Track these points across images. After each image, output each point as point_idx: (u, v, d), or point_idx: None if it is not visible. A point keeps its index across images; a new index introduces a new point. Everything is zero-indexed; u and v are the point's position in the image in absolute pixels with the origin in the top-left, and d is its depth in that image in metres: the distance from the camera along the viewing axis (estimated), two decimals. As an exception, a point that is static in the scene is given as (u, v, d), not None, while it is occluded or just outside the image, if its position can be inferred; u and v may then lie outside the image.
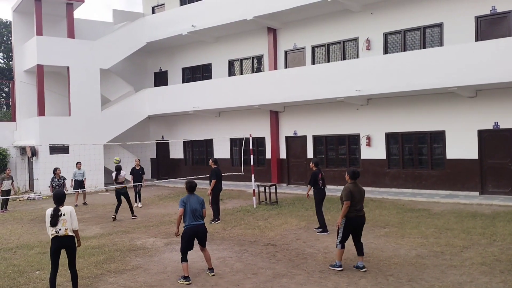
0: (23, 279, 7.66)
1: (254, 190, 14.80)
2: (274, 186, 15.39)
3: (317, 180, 10.76)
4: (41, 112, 20.43)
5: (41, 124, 20.13)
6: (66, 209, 6.67)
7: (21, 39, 22.45)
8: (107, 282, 7.48)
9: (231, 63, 22.03)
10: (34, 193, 19.79)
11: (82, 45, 21.49)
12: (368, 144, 17.28)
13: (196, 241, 7.62)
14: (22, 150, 21.63)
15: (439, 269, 7.44)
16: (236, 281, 7.26)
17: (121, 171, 13.76)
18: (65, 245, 6.65)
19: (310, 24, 18.95)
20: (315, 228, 10.77)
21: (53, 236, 6.57)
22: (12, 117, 23.42)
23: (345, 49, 18.12)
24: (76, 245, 6.85)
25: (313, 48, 18.99)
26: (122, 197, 13.60)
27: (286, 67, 19.68)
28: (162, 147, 25.01)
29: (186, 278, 7.33)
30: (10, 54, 34.05)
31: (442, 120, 15.65)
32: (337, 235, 7.70)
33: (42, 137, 19.87)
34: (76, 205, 16.41)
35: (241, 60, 21.61)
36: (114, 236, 10.91)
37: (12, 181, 16.12)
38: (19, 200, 18.33)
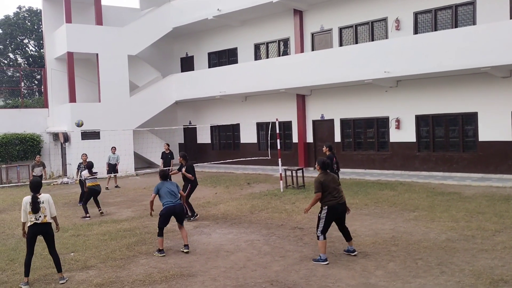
0: (59, 260, 7.94)
1: (281, 174, 14.83)
2: (301, 170, 15.37)
3: (332, 164, 10.71)
4: (72, 98, 20.92)
5: (73, 110, 20.62)
6: (44, 197, 6.92)
7: (51, 27, 22.93)
8: (139, 263, 7.69)
9: (257, 47, 21.92)
10: (67, 178, 20.41)
11: (110, 32, 21.78)
12: (398, 127, 16.98)
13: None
14: (55, 136, 22.26)
15: (470, 253, 7.32)
16: (264, 264, 7.34)
17: (93, 169, 12.76)
18: (42, 231, 6.88)
19: (337, 4, 18.60)
20: None
21: (32, 223, 6.79)
22: (44, 104, 24.08)
23: (373, 30, 17.74)
24: (56, 230, 7.13)
25: (341, 29, 18.66)
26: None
27: (312, 50, 19.44)
28: (190, 132, 25.28)
29: (160, 251, 8.09)
30: (41, 42, 34.85)
31: (474, 102, 15.20)
32: (317, 227, 7.34)
33: (74, 123, 20.34)
34: (107, 188, 16.82)
35: (267, 43, 21.47)
36: (144, 219, 11.17)
37: (44, 167, 16.54)
38: (53, 184, 18.93)
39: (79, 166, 14.45)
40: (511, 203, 10.86)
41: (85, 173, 12.67)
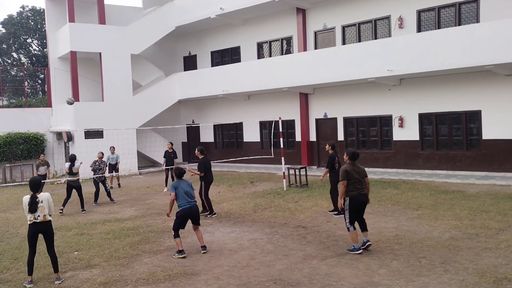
0: (62, 259, 7.98)
1: (284, 172, 14.82)
2: (304, 169, 15.36)
3: (334, 163, 10.71)
4: (76, 97, 20.95)
5: (76, 109, 20.67)
6: (43, 196, 6.91)
7: (54, 26, 22.97)
8: (142, 262, 7.71)
9: (259, 46, 21.90)
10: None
11: (113, 31, 21.81)
12: (401, 125, 16.95)
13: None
14: (59, 135, 22.32)
15: (474, 251, 7.31)
16: (267, 262, 7.34)
17: (76, 161, 12.52)
18: (42, 230, 6.89)
19: (340, 3, 18.56)
20: (330, 211, 10.76)
21: (31, 222, 6.80)
22: (48, 103, 24.14)
23: (376, 28, 17.70)
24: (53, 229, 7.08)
25: (344, 28, 18.62)
26: (74, 191, 12.68)
27: (315, 48, 19.41)
28: (193, 131, 25.30)
29: (181, 252, 7.85)
30: (45, 41, 34.94)
31: (478, 100, 15.15)
32: (345, 219, 7.68)
33: (77, 122, 20.42)
34: (111, 187, 16.86)
35: (270, 42, 21.45)
36: (148, 218, 11.20)
37: (48, 166, 16.56)
38: (57, 183, 18.98)
39: (94, 163, 14.33)
40: (515, 201, 10.82)
41: (67, 165, 12.48)
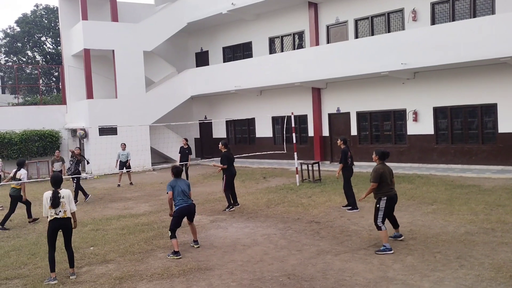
0: (79, 254, 8.09)
1: (297, 168, 14.80)
2: (317, 164, 15.32)
3: (347, 158, 10.61)
4: (90, 95, 21.18)
5: (90, 106, 20.88)
6: (64, 192, 6.99)
7: (68, 24, 23.20)
8: (157, 257, 7.78)
9: (271, 41, 21.84)
10: (86, 173, 20.71)
11: (125, 28, 21.94)
12: (415, 119, 16.78)
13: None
14: (73, 132, 22.58)
15: (490, 246, 7.22)
16: (281, 257, 7.35)
17: (24, 167, 11.11)
18: (62, 226, 6.96)
19: (352, -4, 18.40)
20: (343, 206, 10.69)
21: (52, 218, 6.87)
22: (62, 101, 24.42)
23: (390, 21, 17.51)
24: (72, 226, 7.11)
25: (356, 21, 18.46)
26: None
27: (328, 43, 19.29)
28: (205, 127, 25.37)
29: (176, 253, 7.73)
30: (58, 39, 35.28)
31: (493, 93, 14.91)
32: (377, 217, 7.44)
33: (91, 119, 20.63)
34: (119, 185, 16.97)
35: (282, 37, 21.37)
36: (162, 214, 11.28)
37: (63, 162, 16.74)
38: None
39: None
40: (532, 195, 10.66)
41: (14, 171, 10.95)
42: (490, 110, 15.19)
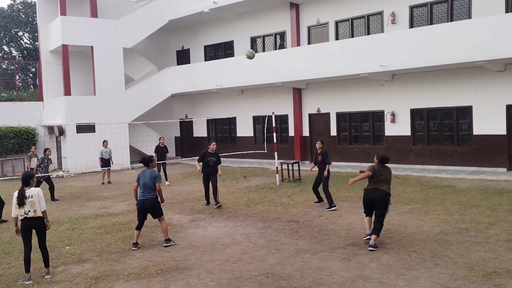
0: (54, 253, 7.96)
1: (277, 167, 14.86)
2: (297, 164, 15.41)
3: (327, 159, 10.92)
4: (67, 91, 20.83)
5: (68, 103, 20.54)
6: (34, 190, 6.79)
7: (45, 19, 22.77)
8: (135, 256, 7.71)
9: (253, 40, 21.86)
10: (63, 171, 20.37)
11: (105, 24, 21.65)
12: (393, 121, 17.04)
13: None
14: (50, 129, 22.18)
15: (463, 245, 7.39)
16: (260, 257, 7.38)
17: None
18: (34, 226, 6.81)
19: (333, -2, 18.57)
20: (326, 209, 10.60)
21: (22, 217, 6.72)
22: (39, 97, 23.96)
23: (369, 24, 17.73)
24: (47, 227, 6.95)
25: (337, 23, 18.63)
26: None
27: (309, 43, 19.42)
28: (186, 126, 25.25)
29: (134, 244, 8.07)
30: (36, 34, 34.60)
31: (469, 95, 15.26)
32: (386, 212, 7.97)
33: (69, 116, 20.30)
34: (103, 182, 16.81)
35: (264, 36, 21.41)
36: (140, 213, 11.16)
37: (38, 159, 16.45)
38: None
39: (42, 160, 13.69)
40: (504, 196, 10.95)
41: None
42: (465, 113, 15.52)
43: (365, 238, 7.89)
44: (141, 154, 23.56)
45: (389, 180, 7.87)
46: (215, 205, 11.39)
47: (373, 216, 7.81)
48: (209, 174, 11.62)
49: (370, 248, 7.38)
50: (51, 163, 14.10)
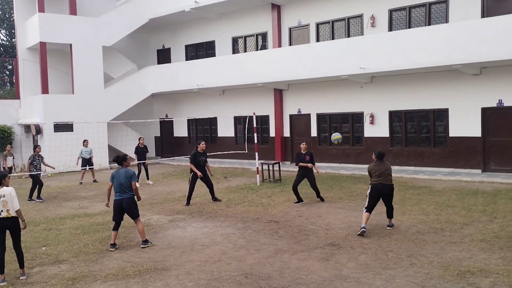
0: (30, 254, 7.83)
1: (257, 168, 14.89)
2: (277, 164, 15.47)
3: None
4: (45, 90, 20.45)
5: (45, 102, 20.17)
6: (5, 190, 6.68)
7: (23, 16, 22.31)
8: (112, 257, 7.63)
9: (234, 40, 21.85)
10: (40, 171, 19.95)
11: (84, 22, 21.33)
12: (372, 122, 17.26)
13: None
14: (27, 128, 21.75)
15: (439, 245, 7.54)
16: (239, 257, 7.39)
17: None
18: (8, 226, 6.70)
19: (314, 0, 18.69)
20: (295, 203, 11.35)
21: None
22: (16, 95, 23.47)
23: (349, 26, 17.92)
24: (21, 226, 6.83)
25: (318, 25, 18.78)
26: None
27: (290, 45, 19.51)
28: (166, 125, 25.07)
29: (112, 245, 8.02)
30: (13, 31, 33.88)
31: (445, 98, 15.57)
32: (366, 202, 8.61)
33: (46, 114, 19.93)
34: (81, 182, 16.57)
35: (245, 37, 21.43)
36: (119, 213, 11.05)
37: (13, 158, 16.16)
38: (25, 177, 18.51)
39: (33, 157, 13.54)
40: (479, 197, 11.21)
41: None
42: (442, 115, 15.83)
43: (360, 232, 8.31)
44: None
45: (390, 171, 8.73)
46: (215, 201, 12.03)
47: (372, 215, 8.72)
48: (202, 174, 11.80)
49: (388, 228, 8.66)
50: (42, 159, 13.86)
